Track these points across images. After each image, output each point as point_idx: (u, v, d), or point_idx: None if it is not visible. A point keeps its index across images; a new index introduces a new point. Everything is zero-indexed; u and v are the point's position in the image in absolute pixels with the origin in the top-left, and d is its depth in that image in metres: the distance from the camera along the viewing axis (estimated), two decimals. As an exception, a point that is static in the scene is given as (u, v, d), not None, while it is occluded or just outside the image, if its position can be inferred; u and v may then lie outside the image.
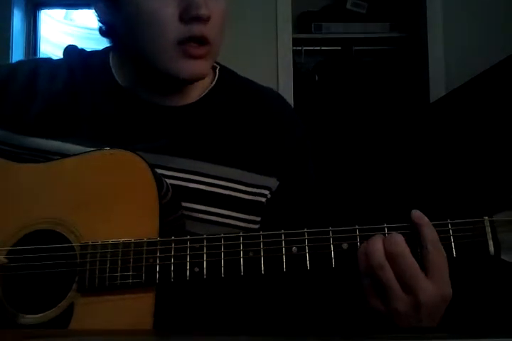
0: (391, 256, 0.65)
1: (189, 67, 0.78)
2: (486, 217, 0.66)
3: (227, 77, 0.92)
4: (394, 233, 0.66)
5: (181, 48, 0.77)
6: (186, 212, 0.80)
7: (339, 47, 2.74)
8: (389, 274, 0.64)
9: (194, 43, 0.77)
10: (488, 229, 0.65)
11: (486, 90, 1.66)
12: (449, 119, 1.87)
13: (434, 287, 0.64)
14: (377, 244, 0.65)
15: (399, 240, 0.65)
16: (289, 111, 0.96)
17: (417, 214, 0.67)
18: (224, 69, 0.93)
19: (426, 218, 0.67)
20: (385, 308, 0.65)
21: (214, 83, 0.90)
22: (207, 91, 0.89)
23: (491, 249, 0.65)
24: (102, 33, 0.86)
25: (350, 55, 2.74)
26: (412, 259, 0.65)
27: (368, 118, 2.62)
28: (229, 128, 0.87)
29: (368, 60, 2.76)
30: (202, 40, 0.77)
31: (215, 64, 0.92)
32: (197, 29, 0.76)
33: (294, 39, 2.56)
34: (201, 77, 0.82)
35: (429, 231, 0.66)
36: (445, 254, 0.65)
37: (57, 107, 0.85)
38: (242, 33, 2.40)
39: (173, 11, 0.76)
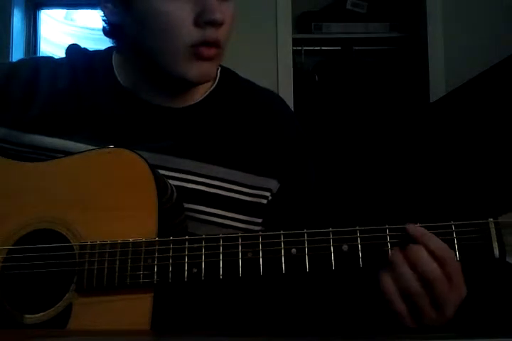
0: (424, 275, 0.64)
1: (198, 68, 0.79)
2: (491, 219, 0.65)
3: (228, 78, 0.92)
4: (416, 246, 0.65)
5: (193, 50, 0.77)
6: (188, 213, 0.80)
7: (339, 47, 2.74)
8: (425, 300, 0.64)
9: (206, 46, 0.78)
10: (493, 232, 0.64)
11: (486, 90, 1.66)
12: (449, 119, 1.87)
13: (455, 294, 0.64)
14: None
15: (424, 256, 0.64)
16: (289, 113, 0.96)
17: (411, 228, 0.66)
18: (225, 71, 0.93)
19: (420, 229, 0.65)
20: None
21: (215, 84, 0.90)
22: (208, 92, 0.89)
23: (496, 251, 0.64)
24: (106, 32, 0.86)
25: (350, 55, 2.73)
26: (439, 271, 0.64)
27: (368, 119, 2.62)
28: (230, 129, 0.87)
29: (368, 60, 2.75)
30: (215, 44, 0.78)
31: None
32: (211, 33, 0.77)
33: (294, 39, 2.56)
34: (208, 79, 0.83)
35: (433, 241, 0.64)
36: (454, 256, 0.64)
37: (59, 106, 0.85)
38: (242, 33, 2.39)
39: (188, 15, 0.76)
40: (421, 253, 0.64)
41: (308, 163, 0.93)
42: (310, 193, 0.92)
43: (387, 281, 0.65)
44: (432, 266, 0.63)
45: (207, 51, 0.78)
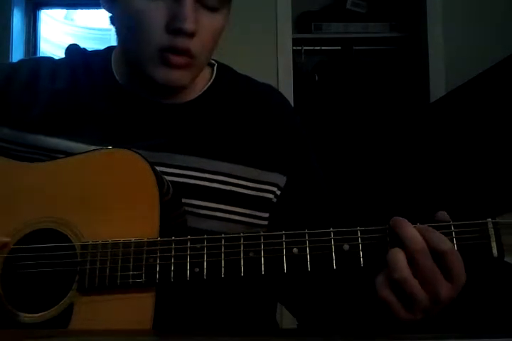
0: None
1: (166, 74, 0.78)
2: (490, 219, 0.65)
3: (225, 73, 0.93)
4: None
5: (161, 55, 0.77)
6: (189, 209, 0.80)
7: (339, 47, 2.74)
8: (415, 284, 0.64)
9: (174, 53, 0.77)
10: (492, 231, 0.64)
11: (486, 90, 1.66)
12: (449, 119, 1.87)
13: (452, 286, 0.64)
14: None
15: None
16: (288, 106, 0.96)
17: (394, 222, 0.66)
18: (222, 67, 0.93)
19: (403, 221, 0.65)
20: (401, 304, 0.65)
21: (213, 80, 0.90)
22: (206, 88, 0.89)
23: (495, 251, 0.64)
24: (112, 20, 0.86)
25: (350, 54, 2.74)
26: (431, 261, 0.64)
27: (368, 119, 2.62)
28: (229, 124, 0.87)
29: (368, 60, 2.76)
30: (183, 52, 0.77)
31: (212, 61, 0.92)
32: (180, 41, 0.76)
33: (294, 39, 2.57)
34: (179, 86, 0.82)
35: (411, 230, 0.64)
36: (449, 244, 0.64)
37: (59, 105, 0.86)
38: (242, 33, 2.40)
39: (161, 19, 0.76)
40: (421, 244, 0.64)
41: (312, 156, 0.92)
42: (319, 185, 0.91)
43: (380, 276, 0.65)
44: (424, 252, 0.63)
45: (175, 59, 0.77)
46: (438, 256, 0.64)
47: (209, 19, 0.78)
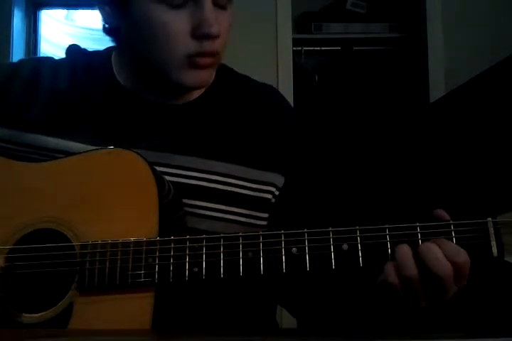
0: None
1: (195, 76, 0.80)
2: (490, 218, 0.65)
3: (225, 74, 0.93)
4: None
5: (189, 60, 0.78)
6: (190, 209, 0.80)
7: (339, 48, 2.74)
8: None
9: (202, 56, 0.78)
10: (492, 231, 0.64)
11: (485, 90, 1.66)
12: (448, 119, 1.87)
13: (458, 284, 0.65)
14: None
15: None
16: (288, 106, 0.97)
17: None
18: (221, 67, 0.93)
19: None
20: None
21: (212, 80, 0.90)
22: (206, 88, 0.89)
23: (495, 250, 0.64)
24: (106, 30, 0.86)
25: (350, 55, 2.74)
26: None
27: (368, 119, 2.62)
28: (229, 124, 0.88)
29: (368, 60, 2.76)
30: (211, 54, 0.79)
31: None
32: (208, 45, 0.77)
33: (294, 39, 2.56)
34: (205, 85, 0.84)
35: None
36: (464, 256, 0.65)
37: (59, 105, 0.86)
38: (243, 33, 2.40)
39: (185, 27, 0.76)
40: (435, 251, 0.64)
41: (311, 156, 0.93)
42: (318, 187, 0.92)
43: (389, 267, 0.66)
44: (445, 265, 0.64)
45: (203, 61, 0.78)
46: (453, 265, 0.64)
47: (223, 17, 0.79)
